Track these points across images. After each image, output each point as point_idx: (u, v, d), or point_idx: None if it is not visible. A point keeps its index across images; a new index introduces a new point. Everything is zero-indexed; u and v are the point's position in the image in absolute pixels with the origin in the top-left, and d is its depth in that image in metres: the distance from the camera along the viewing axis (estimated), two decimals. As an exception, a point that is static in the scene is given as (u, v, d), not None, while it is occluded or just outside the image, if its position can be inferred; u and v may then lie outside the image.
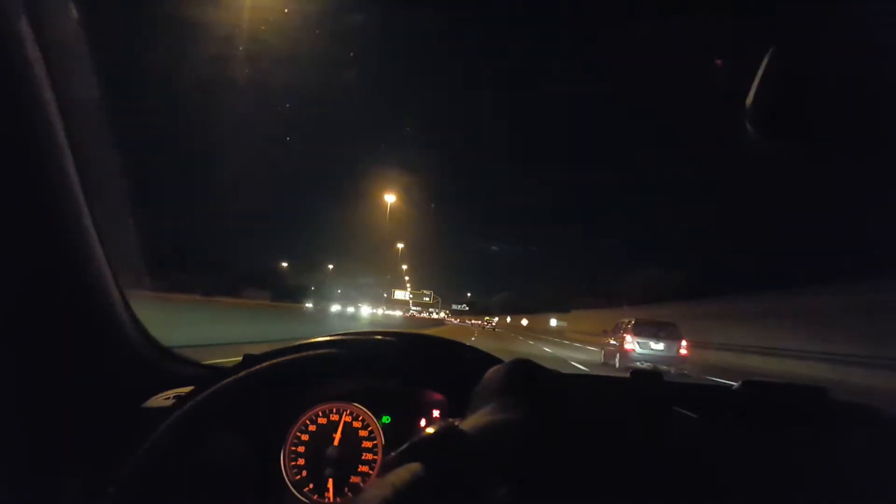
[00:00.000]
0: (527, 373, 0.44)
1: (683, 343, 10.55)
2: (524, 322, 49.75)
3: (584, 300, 39.09)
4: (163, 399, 0.80)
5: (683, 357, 10.40)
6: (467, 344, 0.87)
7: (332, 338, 0.83)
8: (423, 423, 0.83)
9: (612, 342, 11.46)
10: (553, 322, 41.31)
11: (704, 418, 0.69)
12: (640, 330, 10.70)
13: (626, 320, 11.36)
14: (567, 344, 21.73)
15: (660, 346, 10.47)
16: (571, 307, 41.23)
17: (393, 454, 0.34)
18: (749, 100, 0.63)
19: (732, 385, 0.79)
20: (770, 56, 0.61)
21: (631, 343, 10.51)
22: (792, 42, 0.62)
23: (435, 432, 0.35)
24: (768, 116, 0.64)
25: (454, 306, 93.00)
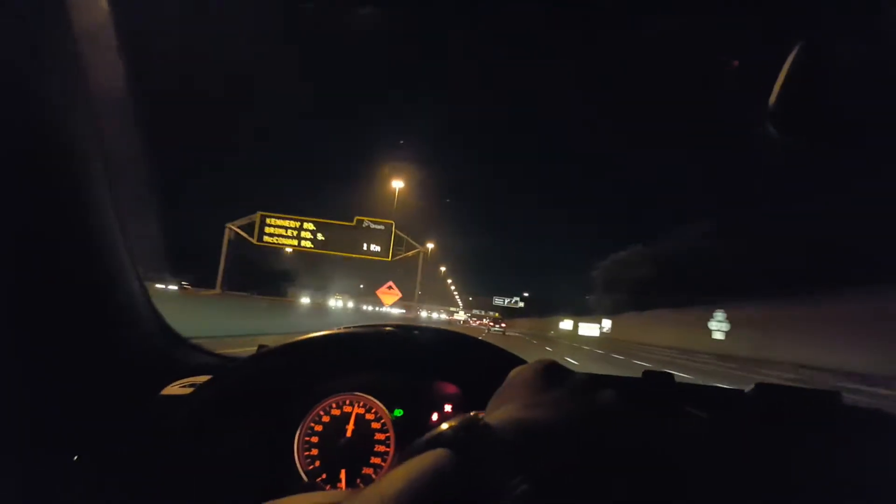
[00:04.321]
0: (554, 373, 0.50)
1: None
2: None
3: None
4: (179, 387, 0.91)
5: None
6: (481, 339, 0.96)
7: (346, 329, 0.92)
8: (435, 417, 0.92)
9: None
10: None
11: (716, 419, 0.75)
12: None
13: None
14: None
15: None
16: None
17: (418, 441, 0.38)
18: (772, 99, 0.69)
19: (744, 389, 0.85)
20: (794, 55, 0.67)
21: None
22: (815, 41, 0.67)
23: (459, 423, 0.39)
24: (790, 115, 0.70)
25: (498, 301, 77.62)
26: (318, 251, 26.22)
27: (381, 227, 25.86)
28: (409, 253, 26.20)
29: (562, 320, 52.03)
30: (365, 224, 25.61)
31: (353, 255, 26.04)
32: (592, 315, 46.81)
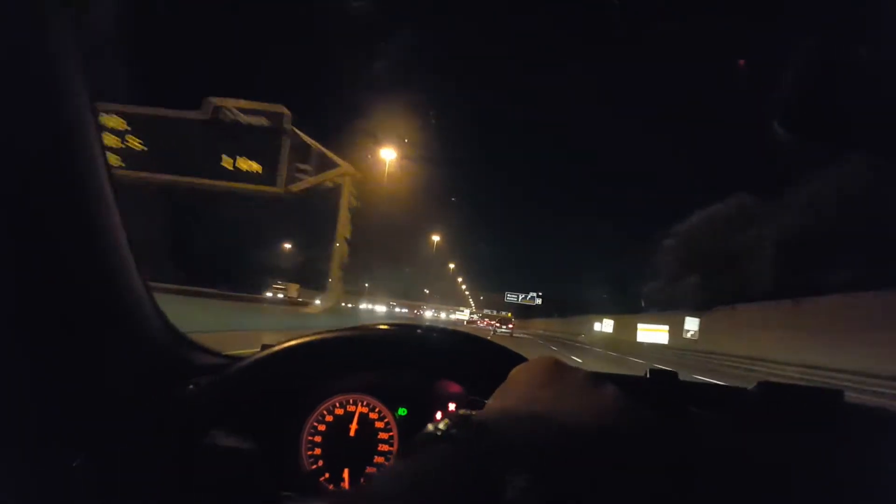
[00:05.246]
0: (556, 369, 0.60)
1: None
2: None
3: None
4: (184, 387, 1.06)
5: None
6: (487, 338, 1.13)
7: (349, 329, 1.11)
8: (439, 416, 1.12)
9: None
10: None
11: (718, 417, 0.91)
12: None
13: None
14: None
15: None
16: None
17: (414, 439, 0.45)
18: (779, 97, 0.83)
19: (747, 387, 1.01)
20: (801, 55, 0.82)
21: None
22: (821, 40, 0.82)
23: (456, 418, 0.46)
24: (798, 115, 0.85)
25: (510, 297, 78.85)
26: (133, 173, 14.82)
27: (263, 119, 14.70)
28: (324, 177, 16.26)
29: (597, 320, 45.76)
30: (228, 115, 14.61)
31: (204, 182, 14.34)
32: (649, 313, 37.87)
